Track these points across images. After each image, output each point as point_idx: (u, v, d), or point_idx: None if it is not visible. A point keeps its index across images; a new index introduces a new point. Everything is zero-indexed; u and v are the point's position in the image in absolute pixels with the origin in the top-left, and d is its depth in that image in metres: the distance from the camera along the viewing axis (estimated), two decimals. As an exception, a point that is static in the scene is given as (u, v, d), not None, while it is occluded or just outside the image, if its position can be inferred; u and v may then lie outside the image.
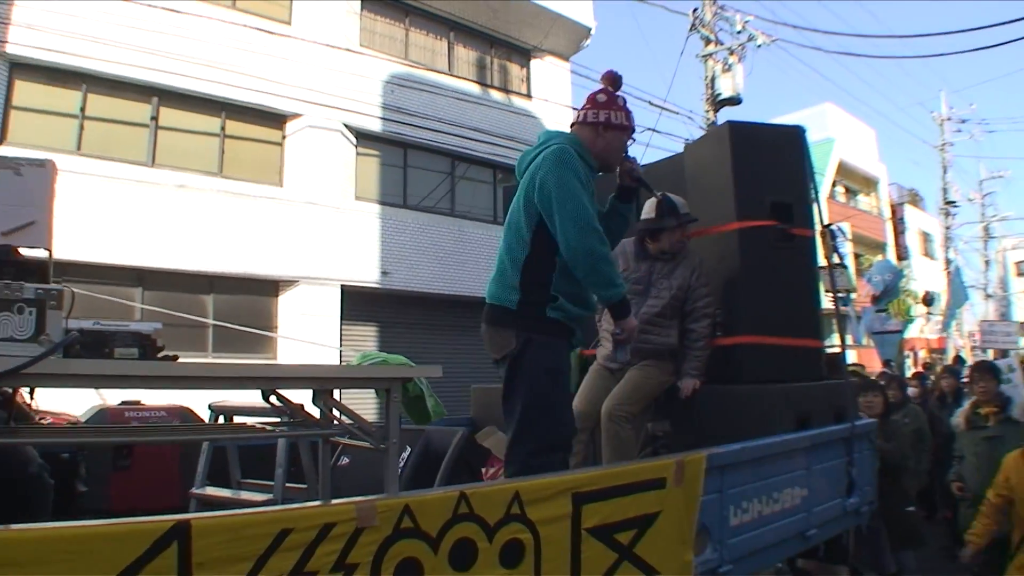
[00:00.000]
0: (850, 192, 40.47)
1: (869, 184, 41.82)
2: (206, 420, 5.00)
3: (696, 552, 3.59)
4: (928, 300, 19.61)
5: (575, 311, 3.86)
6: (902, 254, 38.96)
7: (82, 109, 14.77)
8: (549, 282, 3.80)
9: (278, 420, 3.24)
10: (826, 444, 4.91)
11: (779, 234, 5.24)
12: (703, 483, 3.64)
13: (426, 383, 4.76)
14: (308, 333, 15.93)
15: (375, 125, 17.67)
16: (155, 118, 15.59)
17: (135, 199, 14.68)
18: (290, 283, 16.49)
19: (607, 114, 4.04)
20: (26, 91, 14.13)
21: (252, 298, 16.39)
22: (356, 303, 16.91)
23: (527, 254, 3.83)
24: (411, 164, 18.51)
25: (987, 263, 41.86)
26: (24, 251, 2.49)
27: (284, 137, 17.08)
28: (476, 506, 2.72)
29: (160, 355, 2.53)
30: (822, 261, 6.23)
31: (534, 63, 22.04)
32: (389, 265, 17.36)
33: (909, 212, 42.28)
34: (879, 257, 24.12)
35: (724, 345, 5.25)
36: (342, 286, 16.66)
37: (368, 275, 17.20)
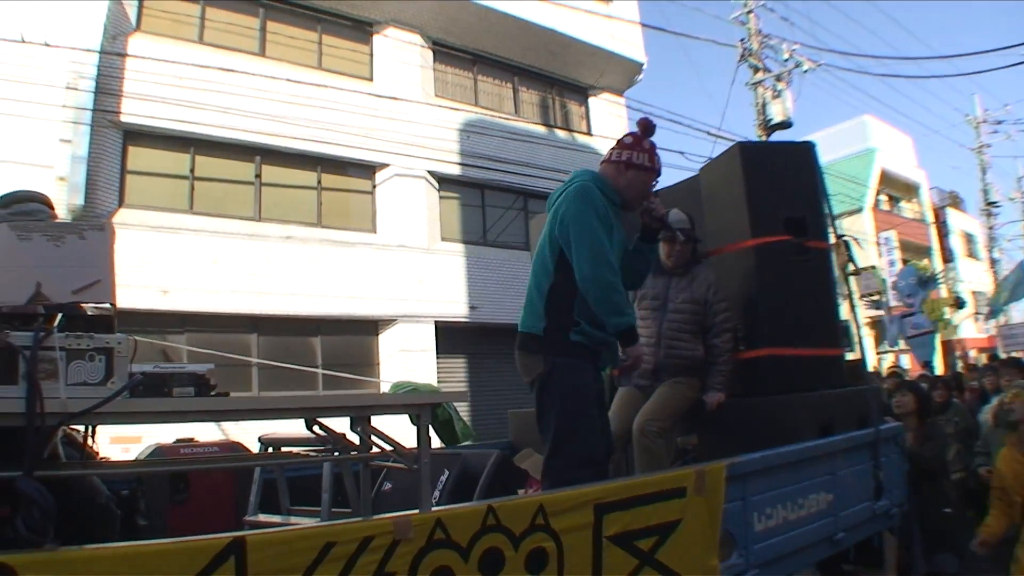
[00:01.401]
0: (893, 200, 39.71)
1: (910, 190, 41.04)
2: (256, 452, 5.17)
3: (722, 558, 3.59)
4: (959, 304, 19.10)
5: (598, 335, 3.89)
6: (947, 257, 38.04)
7: (192, 170, 15.06)
8: (572, 308, 3.85)
9: (322, 448, 3.34)
10: (850, 449, 4.84)
11: (794, 248, 5.21)
12: (725, 491, 3.65)
13: (454, 408, 4.82)
14: (408, 368, 16.09)
15: (454, 170, 17.80)
16: (259, 175, 15.86)
17: (246, 251, 14.95)
18: (389, 322, 16.61)
19: (630, 154, 4.12)
20: (139, 156, 14.42)
21: (355, 338, 16.54)
22: (449, 337, 16.98)
23: (551, 283, 3.91)
24: (488, 203, 18.63)
25: None
26: (91, 306, 2.60)
27: (375, 186, 17.29)
28: (503, 518, 2.82)
29: (213, 392, 2.65)
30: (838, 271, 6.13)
31: (592, 100, 21.98)
32: (476, 300, 17.44)
33: (951, 215, 41.38)
34: (924, 262, 23.62)
35: (747, 358, 5.23)
36: (435, 322, 16.75)
37: (458, 310, 17.28)
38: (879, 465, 5.04)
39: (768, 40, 20.05)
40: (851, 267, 18.28)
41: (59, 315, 2.46)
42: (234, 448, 5.26)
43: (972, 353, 29.23)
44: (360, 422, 2.84)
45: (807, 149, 5.84)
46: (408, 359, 16.40)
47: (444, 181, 17.96)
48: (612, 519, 3.14)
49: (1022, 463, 4.99)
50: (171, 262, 13.98)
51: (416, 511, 2.73)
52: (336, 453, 3.17)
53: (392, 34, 17.90)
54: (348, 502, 3.35)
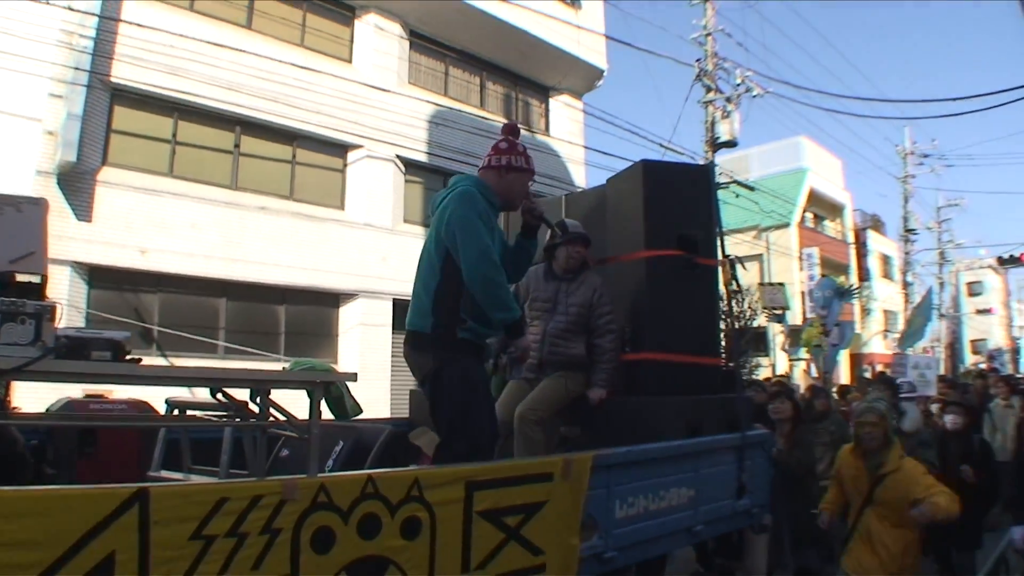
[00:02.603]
0: (818, 218, 40.25)
1: (835, 210, 41.65)
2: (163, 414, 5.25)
3: (583, 539, 3.75)
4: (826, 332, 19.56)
5: (483, 331, 4.01)
6: (863, 276, 38.48)
7: (174, 135, 15.03)
8: (458, 307, 3.92)
9: (226, 414, 3.50)
10: (715, 450, 4.97)
11: (684, 263, 5.34)
12: (589, 479, 3.79)
13: (346, 386, 4.93)
14: (364, 341, 16.39)
15: (421, 156, 17.89)
16: (237, 146, 15.86)
17: (222, 218, 14.97)
18: (350, 296, 16.73)
19: (508, 159, 4.20)
20: (125, 117, 14.34)
21: (318, 308, 16.65)
22: (405, 315, 16.92)
23: (438, 282, 3.97)
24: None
25: (942, 285, 41.19)
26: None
27: (345, 165, 17.33)
28: (381, 487, 2.99)
29: (127, 358, 2.79)
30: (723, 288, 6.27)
31: (552, 101, 22.16)
32: (432, 281, 17.35)
33: (871, 237, 41.92)
34: (841, 279, 24.03)
35: (630, 360, 5.39)
36: (394, 299, 16.79)
37: None
38: (743, 468, 5.17)
39: (723, 63, 20.32)
40: (734, 285, 18.59)
41: (-3, 280, 2.61)
42: (141, 407, 5.30)
43: (879, 367, 29.86)
44: (260, 394, 3.02)
45: (705, 171, 6.05)
46: (366, 332, 16.56)
47: (410, 166, 18.06)
48: (482, 496, 3.30)
49: (860, 469, 5.17)
50: (150, 223, 13.99)
51: (303, 475, 2.91)
52: (237, 420, 3.31)
53: (373, 20, 17.91)
54: (246, 465, 3.49)
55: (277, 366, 11.86)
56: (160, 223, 14.13)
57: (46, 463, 4.02)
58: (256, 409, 3.15)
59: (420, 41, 19.11)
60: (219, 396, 3.19)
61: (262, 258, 15.26)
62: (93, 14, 13.15)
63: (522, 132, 4.56)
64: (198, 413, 3.88)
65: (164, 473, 4.11)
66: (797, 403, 6.97)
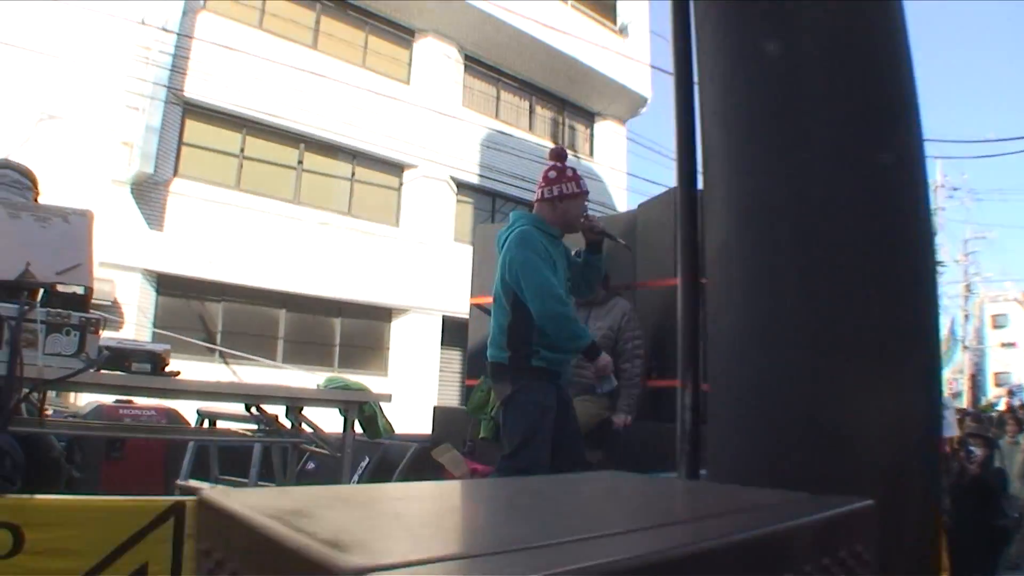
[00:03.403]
0: None
1: None
2: (191, 421, 5.13)
3: None
4: None
5: (556, 357, 3.99)
6: None
7: (241, 150, 15.04)
8: (531, 338, 3.94)
9: (255, 427, 3.42)
10: None
11: None
12: None
13: (379, 405, 4.84)
14: (414, 356, 16.30)
15: (472, 178, 17.79)
16: (300, 162, 15.84)
17: (284, 232, 14.94)
18: (402, 311, 16.61)
19: (559, 187, 4.16)
20: (196, 130, 14.37)
21: (371, 323, 16.57)
22: (452, 331, 16.75)
23: (509, 321, 4.00)
24: (499, 211, 18.58)
25: (967, 317, 40.07)
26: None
27: (401, 184, 17.27)
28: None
29: (166, 370, 2.73)
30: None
31: (597, 126, 21.96)
32: (479, 299, 17.26)
33: None
34: None
35: (657, 386, 5.25)
36: (443, 316, 16.66)
37: (463, 307, 16.88)
38: None
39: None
40: None
41: (41, 291, 2.54)
42: (170, 414, 5.23)
43: None
44: (294, 410, 2.94)
45: None
46: (416, 347, 16.48)
47: (462, 186, 17.94)
48: None
49: None
50: (217, 234, 14.00)
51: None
52: (270, 434, 3.23)
53: (431, 43, 17.88)
54: (273, 476, 3.41)
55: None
56: (226, 234, 14.13)
57: (73, 466, 3.96)
58: (287, 424, 3.07)
59: (474, 65, 19.01)
60: (252, 410, 3.11)
61: (321, 272, 15.17)
62: (173, 31, 13.24)
63: (568, 154, 4.48)
64: (229, 425, 3.83)
65: (192, 482, 4.05)
66: None
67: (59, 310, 2.42)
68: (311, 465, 4.78)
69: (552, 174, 4.23)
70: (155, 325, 12.84)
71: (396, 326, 16.80)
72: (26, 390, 2.41)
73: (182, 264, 13.52)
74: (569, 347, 3.97)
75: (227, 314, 14.50)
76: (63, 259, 2.53)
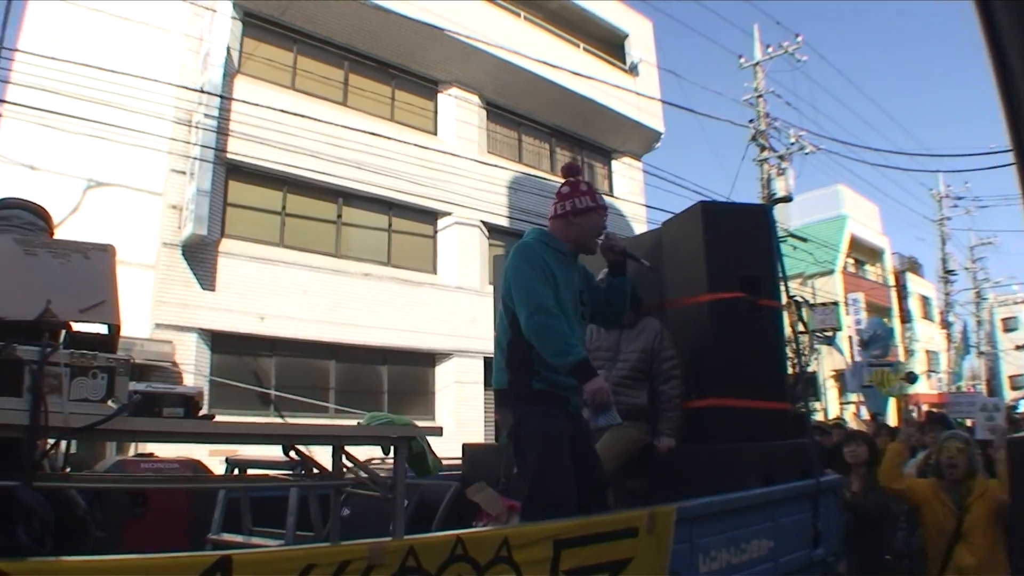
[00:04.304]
0: (859, 263, 38.47)
1: (875, 255, 39.76)
2: (215, 472, 4.78)
3: None
4: (911, 379, 18.25)
5: (561, 380, 3.49)
6: (905, 317, 36.81)
7: (283, 207, 14.92)
8: (531, 358, 3.48)
9: (290, 472, 3.09)
10: (791, 499, 4.44)
11: (747, 305, 4.76)
12: (673, 533, 3.31)
13: (427, 441, 4.48)
14: (459, 398, 15.99)
15: (502, 220, 17.57)
16: (340, 216, 15.71)
17: (329, 285, 14.80)
18: (445, 356, 16.35)
19: (572, 202, 3.73)
20: (239, 190, 14.29)
21: (415, 368, 16.34)
22: (494, 372, 16.70)
23: (509, 338, 3.58)
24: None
25: (979, 323, 38.94)
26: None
27: (436, 232, 17.10)
28: (470, 548, 2.53)
29: (200, 414, 2.44)
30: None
31: (614, 163, 21.84)
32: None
33: (909, 279, 40.01)
34: (885, 321, 22.79)
35: (696, 407, 4.78)
36: (484, 358, 16.25)
37: None
38: (818, 515, 4.60)
39: (774, 122, 19.80)
40: (800, 327, 17.65)
41: (63, 332, 2.25)
42: (193, 466, 4.93)
43: (924, 407, 28.31)
44: (337, 451, 2.61)
45: (763, 212, 5.47)
46: (460, 390, 16.16)
47: (493, 230, 17.71)
48: (569, 554, 2.83)
49: (948, 508, 4.63)
50: (266, 291, 13.88)
51: (389, 538, 2.47)
52: (307, 479, 2.86)
53: (454, 93, 17.78)
54: (311, 525, 3.10)
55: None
56: (274, 290, 14.01)
57: (96, 525, 3.66)
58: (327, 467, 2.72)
59: (496, 111, 18.94)
60: (292, 454, 2.77)
61: (365, 321, 15.02)
62: (216, 94, 13.18)
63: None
64: (261, 472, 3.50)
65: (225, 536, 3.73)
66: (873, 446, 6.22)
67: (83, 351, 2.11)
68: (345, 511, 4.40)
69: (565, 189, 3.81)
70: (211, 385, 12.69)
71: (440, 370, 16.53)
72: (52, 441, 2.11)
73: (234, 322, 13.42)
74: (557, 362, 3.42)
75: (279, 368, 14.32)
76: (86, 296, 2.25)
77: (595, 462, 3.76)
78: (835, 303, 21.97)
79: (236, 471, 3.65)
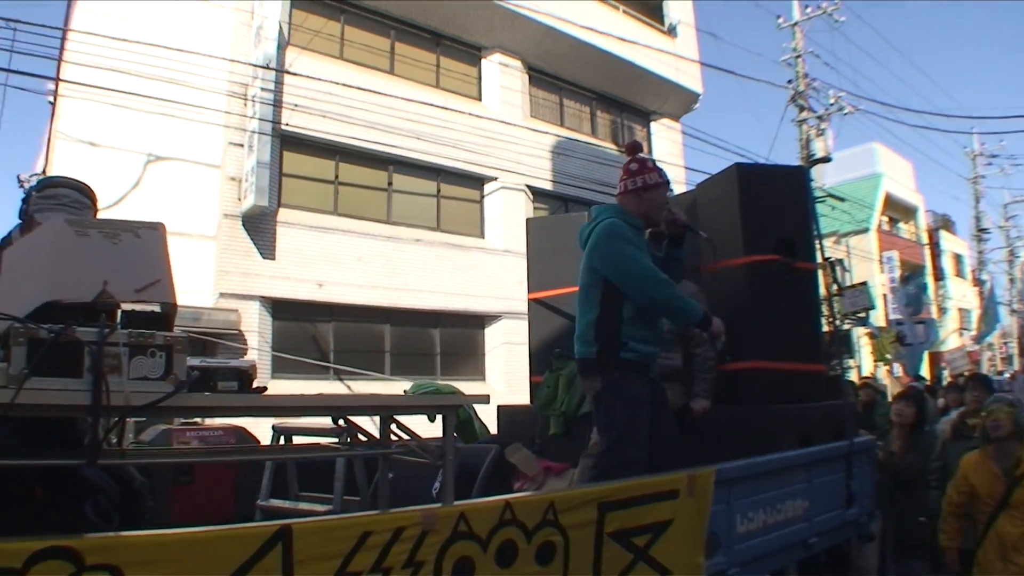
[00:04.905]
0: (892, 221, 37.39)
1: (908, 213, 38.59)
2: (260, 439, 4.76)
3: (707, 556, 3.30)
4: (901, 339, 17.71)
5: (645, 349, 3.66)
6: (938, 275, 35.78)
7: (336, 176, 14.91)
8: (618, 332, 3.62)
9: (336, 440, 3.11)
10: (826, 460, 4.40)
11: (784, 267, 4.69)
12: (712, 495, 3.34)
13: (473, 408, 4.45)
14: (508, 360, 15.92)
15: (545, 184, 17.39)
16: (390, 183, 15.69)
17: (383, 251, 14.82)
18: (494, 318, 16.30)
19: (642, 179, 3.83)
20: (294, 161, 14.27)
21: (466, 331, 16.36)
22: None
23: (597, 314, 3.68)
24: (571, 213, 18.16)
25: (1011, 281, 37.32)
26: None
27: (483, 196, 17.01)
28: (518, 513, 2.58)
29: (254, 387, 2.44)
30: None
31: (653, 125, 21.41)
32: (562, 302, 17.00)
33: (943, 237, 38.63)
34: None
35: (732, 370, 4.71)
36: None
37: None
38: (851, 476, 4.56)
39: (813, 83, 19.35)
40: (835, 288, 17.21)
41: (119, 312, 2.24)
42: (238, 433, 4.91)
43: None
44: (386, 420, 2.61)
45: (800, 173, 5.36)
46: (509, 352, 16.04)
47: (537, 194, 17.53)
48: (612, 517, 2.88)
49: (996, 475, 4.52)
50: (323, 258, 13.93)
51: (440, 504, 2.50)
52: (355, 447, 2.85)
53: (497, 59, 17.58)
54: (356, 491, 3.12)
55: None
56: (331, 258, 14.05)
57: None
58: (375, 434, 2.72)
59: (538, 76, 18.68)
60: (340, 422, 2.77)
61: (418, 286, 15.05)
62: (272, 68, 13.20)
63: (619, 150, 4.13)
64: (308, 439, 3.52)
65: (273, 502, 3.77)
66: (923, 408, 6.00)
67: (141, 331, 2.10)
68: (389, 475, 4.42)
69: (634, 166, 3.90)
70: (273, 349, 12.81)
71: (490, 332, 16.52)
72: (115, 419, 2.12)
73: (294, 289, 13.49)
74: (684, 323, 3.76)
75: (337, 333, 14.40)
76: (140, 276, 2.22)
77: (675, 428, 3.89)
78: (864, 283, 21.31)
79: (282, 438, 3.67)
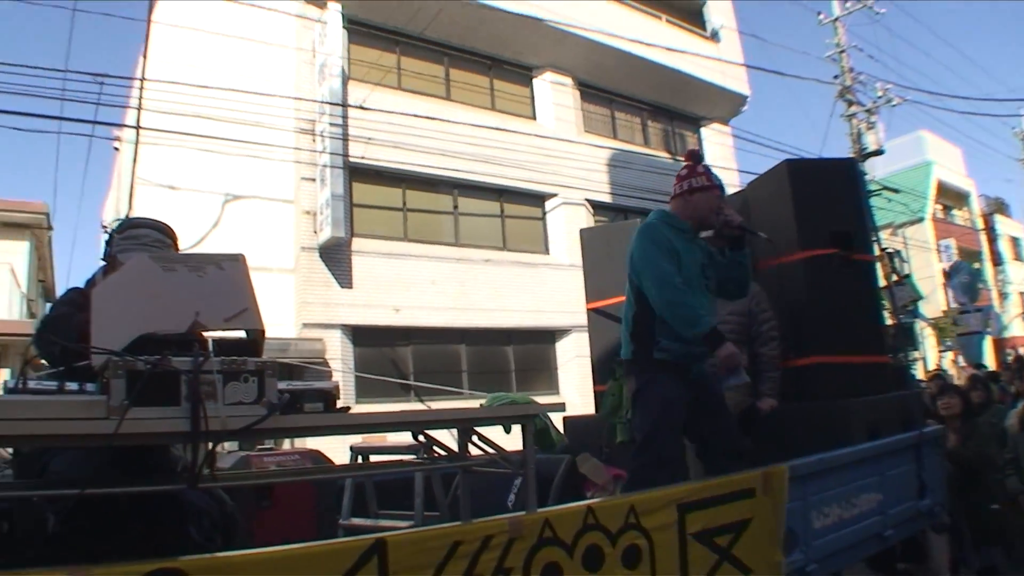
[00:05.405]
0: (946, 209, 35.90)
1: (960, 199, 36.99)
2: (331, 459, 4.77)
3: (785, 553, 3.25)
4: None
5: (680, 348, 3.59)
6: (996, 260, 34.48)
7: (404, 203, 15.07)
8: (652, 331, 3.61)
9: (413, 456, 3.11)
10: (896, 451, 4.30)
11: (841, 260, 4.60)
12: (787, 491, 3.29)
13: (548, 417, 4.42)
14: (580, 373, 15.57)
15: (604, 197, 17.30)
16: (456, 206, 15.80)
17: (452, 273, 14.91)
18: (564, 332, 16.22)
19: (688, 182, 3.81)
20: (363, 191, 14.47)
21: (538, 346, 16.33)
22: (614, 346, 16.48)
23: (634, 312, 3.71)
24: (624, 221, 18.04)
25: None
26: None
27: (544, 213, 17.01)
28: (600, 517, 2.57)
29: (338, 407, 2.48)
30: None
31: (703, 131, 21.19)
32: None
33: (998, 221, 37.12)
34: (975, 266, 21.19)
35: (797, 365, 4.64)
36: (600, 332, 16.13)
37: None
38: (922, 466, 4.47)
39: (859, 77, 18.98)
40: (894, 277, 16.67)
41: (211, 341, 2.31)
42: (314, 456, 4.92)
43: (1022, 350, 25.83)
44: (465, 432, 2.61)
45: (850, 165, 5.28)
46: (581, 364, 15.65)
47: (597, 207, 17.47)
48: (693, 517, 2.86)
49: None
50: (397, 284, 14.07)
51: (525, 512, 2.50)
52: (435, 461, 2.86)
53: (548, 77, 17.60)
54: (434, 506, 3.13)
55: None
56: (405, 283, 14.17)
57: None
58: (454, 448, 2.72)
59: (588, 90, 18.63)
60: (420, 437, 2.78)
61: (489, 305, 15.09)
62: (339, 103, 13.44)
63: (673, 158, 4.10)
64: (382, 457, 3.55)
65: (355, 520, 3.79)
66: (966, 396, 5.98)
67: (234, 358, 2.14)
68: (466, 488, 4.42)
69: (683, 171, 3.90)
70: (355, 378, 12.95)
71: (561, 346, 16.42)
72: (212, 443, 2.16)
73: (372, 316, 13.64)
74: (687, 334, 3.52)
75: (416, 356, 14.51)
76: (228, 305, 2.25)
77: (728, 426, 3.79)
78: (907, 276, 20.62)
79: (359, 458, 3.70)
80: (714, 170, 3.99)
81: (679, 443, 3.59)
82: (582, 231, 6.62)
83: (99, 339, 2.02)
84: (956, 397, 5.77)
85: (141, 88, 11.25)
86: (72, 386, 2.06)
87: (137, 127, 11.44)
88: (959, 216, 37.00)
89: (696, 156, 3.99)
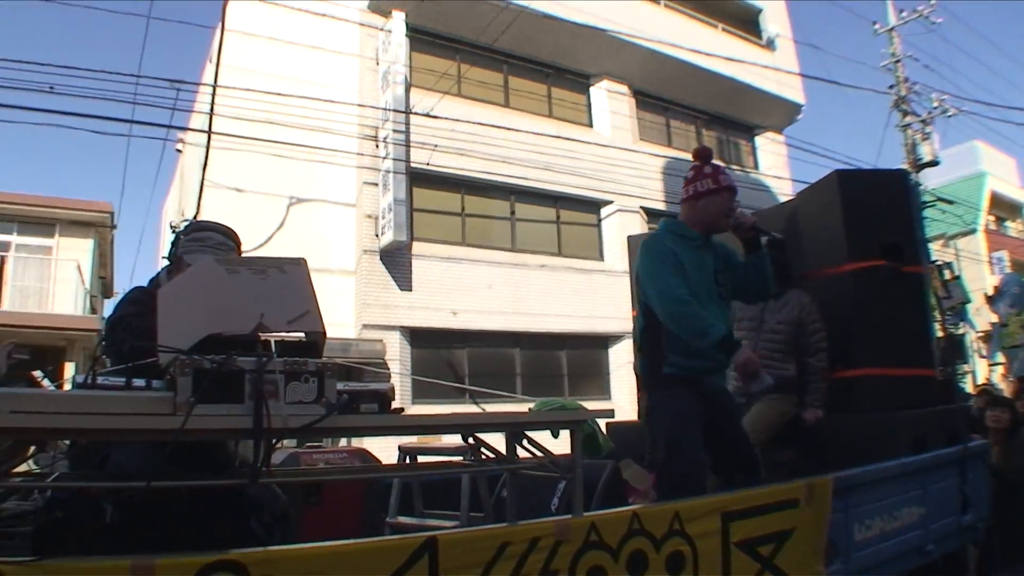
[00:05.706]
0: (999, 220, 34.44)
1: (1014, 210, 35.61)
2: (378, 458, 4.80)
3: (826, 564, 3.20)
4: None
5: (689, 363, 3.43)
6: None
7: (462, 208, 15.19)
8: (661, 345, 3.46)
9: (460, 457, 3.15)
10: (941, 465, 4.20)
11: (890, 272, 4.47)
12: (830, 503, 3.24)
13: (596, 423, 4.38)
14: (632, 379, 15.58)
15: (659, 205, 17.17)
16: (513, 212, 15.87)
17: (508, 278, 15.00)
18: (617, 338, 16.11)
19: (694, 186, 3.61)
20: (423, 196, 14.58)
21: (590, 351, 16.29)
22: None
23: (643, 326, 3.58)
24: (685, 235, 17.84)
25: None
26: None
27: (600, 220, 16.99)
28: (645, 523, 2.56)
29: (392, 408, 2.51)
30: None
31: (757, 139, 20.97)
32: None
33: None
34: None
35: (844, 377, 4.51)
36: (653, 338, 16.03)
37: None
38: (966, 481, 4.34)
39: (914, 87, 18.56)
40: (944, 292, 16.14)
41: (273, 341, 2.30)
42: (361, 455, 4.91)
43: None
44: (515, 436, 2.63)
45: (901, 176, 5.14)
46: (632, 370, 15.84)
47: (652, 215, 17.31)
48: (737, 526, 2.83)
49: None
50: (455, 288, 14.20)
51: (571, 515, 2.50)
52: (482, 463, 2.87)
53: (605, 85, 17.58)
54: (479, 507, 3.13)
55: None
56: (463, 286, 14.29)
57: None
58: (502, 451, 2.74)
59: (644, 98, 18.58)
60: (470, 440, 2.81)
61: (543, 310, 15.12)
62: (402, 110, 13.61)
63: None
64: (427, 459, 3.58)
65: (401, 519, 3.83)
66: (1016, 412, 5.78)
67: (296, 359, 2.19)
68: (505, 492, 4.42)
69: (689, 174, 3.70)
70: (412, 380, 13.11)
71: (613, 352, 16.35)
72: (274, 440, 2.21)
73: (430, 318, 13.78)
74: (698, 345, 3.32)
75: (471, 359, 14.60)
76: (290, 308, 2.28)
77: (740, 439, 3.66)
78: (957, 277, 19.89)
79: (407, 458, 3.73)
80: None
81: (699, 457, 3.46)
82: (629, 237, 6.56)
83: (166, 338, 2.08)
84: (1006, 410, 5.63)
85: (213, 94, 11.50)
86: (139, 383, 2.12)
87: (208, 131, 11.71)
88: (1012, 228, 35.72)
89: (704, 155, 3.76)
